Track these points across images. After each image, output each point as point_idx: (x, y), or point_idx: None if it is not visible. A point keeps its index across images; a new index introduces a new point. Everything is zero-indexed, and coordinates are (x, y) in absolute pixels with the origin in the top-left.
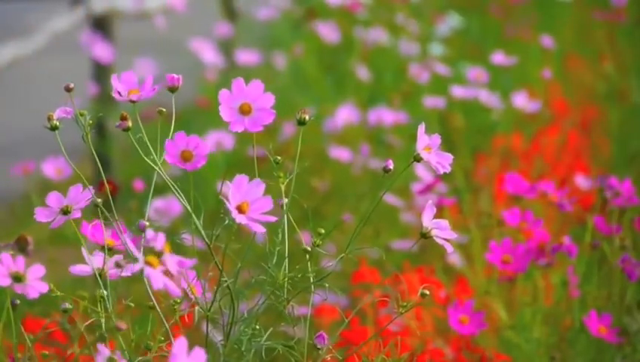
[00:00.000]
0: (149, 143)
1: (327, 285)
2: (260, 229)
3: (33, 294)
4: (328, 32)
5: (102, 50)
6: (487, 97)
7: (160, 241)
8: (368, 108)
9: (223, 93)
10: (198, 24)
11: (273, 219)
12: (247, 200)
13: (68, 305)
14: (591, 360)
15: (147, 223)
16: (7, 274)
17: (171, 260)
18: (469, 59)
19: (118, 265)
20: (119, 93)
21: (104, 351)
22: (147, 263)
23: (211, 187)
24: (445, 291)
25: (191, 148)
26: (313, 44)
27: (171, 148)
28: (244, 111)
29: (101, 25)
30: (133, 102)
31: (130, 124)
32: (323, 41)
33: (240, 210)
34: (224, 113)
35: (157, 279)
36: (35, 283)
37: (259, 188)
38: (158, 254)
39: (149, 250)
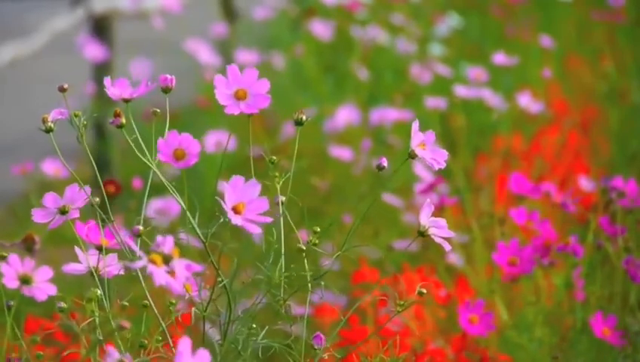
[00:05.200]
0: (143, 144)
1: (322, 283)
2: (256, 230)
3: (41, 297)
4: (323, 30)
5: (100, 51)
6: (490, 97)
7: (168, 245)
8: (368, 108)
9: (219, 78)
10: (198, 24)
11: (269, 219)
12: (244, 200)
13: (63, 305)
14: (592, 360)
15: (141, 228)
16: (16, 276)
17: (180, 265)
18: (469, 59)
19: (125, 267)
20: (112, 94)
21: (114, 353)
22: (150, 261)
23: (211, 187)
24: (446, 291)
25: (184, 146)
26: (312, 44)
27: (164, 148)
28: (240, 96)
29: (101, 25)
30: (126, 100)
31: (124, 120)
32: (322, 41)
33: (236, 210)
34: (220, 97)
35: (160, 276)
36: (43, 285)
37: (255, 189)
38: (167, 258)
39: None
